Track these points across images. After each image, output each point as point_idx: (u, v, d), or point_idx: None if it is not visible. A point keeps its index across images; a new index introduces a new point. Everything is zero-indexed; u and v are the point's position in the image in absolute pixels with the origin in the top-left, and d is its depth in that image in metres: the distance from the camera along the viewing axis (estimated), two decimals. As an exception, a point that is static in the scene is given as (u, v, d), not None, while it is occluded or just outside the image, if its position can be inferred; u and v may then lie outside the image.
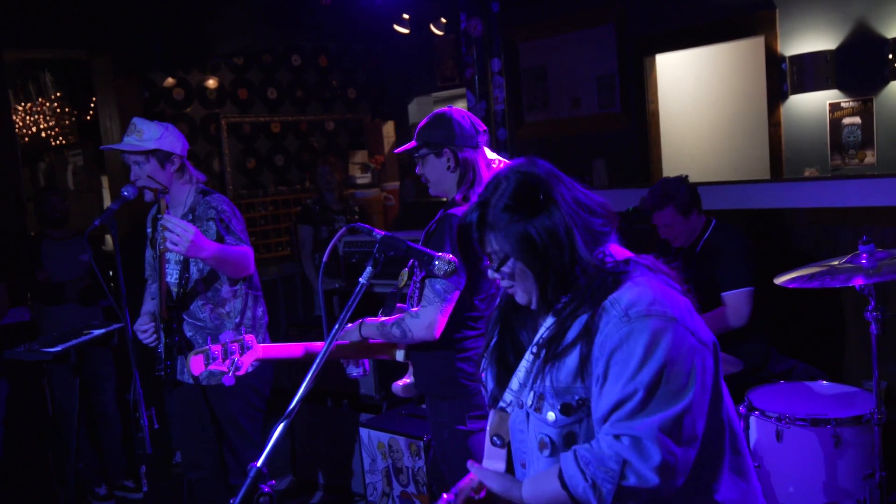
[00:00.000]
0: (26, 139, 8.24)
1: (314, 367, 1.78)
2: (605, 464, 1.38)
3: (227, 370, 2.34)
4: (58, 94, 7.84)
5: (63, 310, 4.52)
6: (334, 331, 1.84)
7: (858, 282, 2.59)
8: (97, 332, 3.64)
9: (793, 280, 2.75)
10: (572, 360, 1.51)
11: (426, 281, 2.52)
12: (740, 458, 1.59)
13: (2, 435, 4.22)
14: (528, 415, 1.59)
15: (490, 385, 1.71)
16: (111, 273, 4.70)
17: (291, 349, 2.51)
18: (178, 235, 2.73)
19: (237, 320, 3.07)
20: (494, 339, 1.72)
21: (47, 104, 7.99)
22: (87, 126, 7.51)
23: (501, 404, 1.65)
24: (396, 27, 6.14)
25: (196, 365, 2.31)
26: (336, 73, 7.27)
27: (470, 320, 2.60)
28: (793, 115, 4.79)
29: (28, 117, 8.26)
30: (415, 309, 2.52)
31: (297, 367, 4.52)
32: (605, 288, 1.51)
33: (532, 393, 1.57)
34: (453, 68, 6.83)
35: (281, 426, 1.68)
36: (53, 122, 8.00)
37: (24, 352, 3.46)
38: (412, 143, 2.67)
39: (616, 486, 1.37)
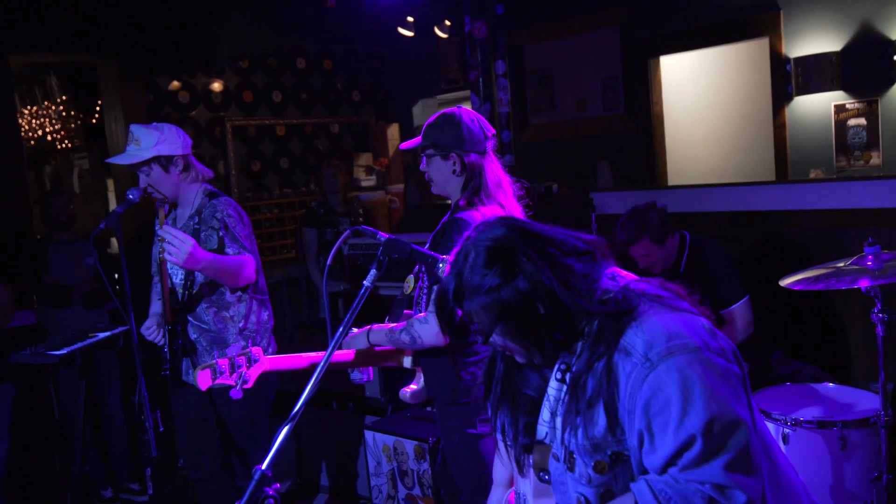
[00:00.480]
0: (32, 142, 8.27)
1: (318, 369, 1.78)
2: (690, 500, 1.33)
3: (234, 384, 2.34)
4: (63, 97, 7.86)
5: (69, 313, 4.53)
6: (338, 333, 1.84)
7: (864, 283, 2.58)
8: (103, 334, 3.65)
9: (798, 282, 2.74)
10: (599, 414, 1.44)
11: (435, 286, 2.52)
12: (776, 467, 1.54)
13: (8, 438, 4.23)
14: (565, 469, 1.52)
15: (512, 447, 1.64)
16: (116, 276, 4.71)
17: (297, 360, 2.51)
18: (177, 248, 2.73)
19: (241, 325, 3.07)
20: (501, 396, 1.65)
21: (53, 107, 8.01)
22: (93, 129, 7.53)
23: (538, 437, 1.57)
24: (401, 30, 6.14)
25: (203, 380, 2.31)
26: (341, 76, 7.28)
27: None
28: (798, 116, 4.78)
29: (34, 120, 8.29)
30: (422, 314, 2.52)
31: (302, 371, 4.52)
32: (614, 330, 1.43)
33: (564, 448, 1.50)
34: (457, 71, 6.83)
35: (286, 429, 1.68)
36: (59, 126, 8.02)
37: (30, 355, 3.47)
38: (418, 140, 2.67)
39: None
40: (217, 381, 2.33)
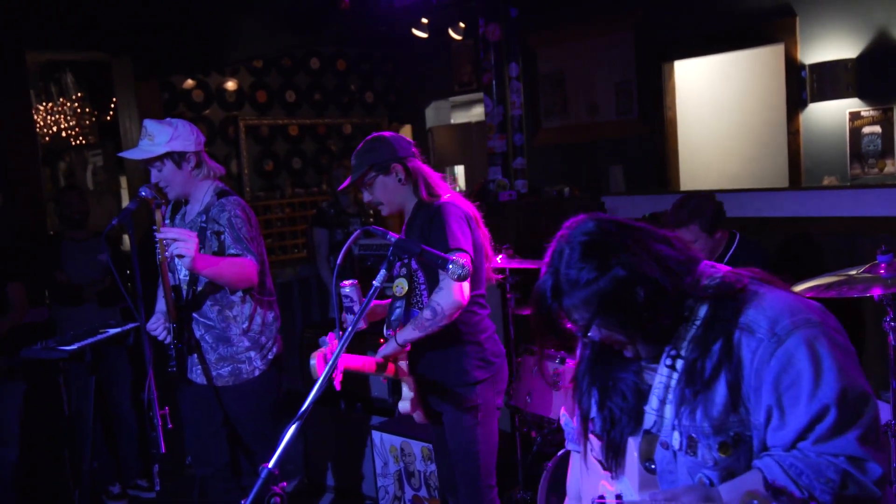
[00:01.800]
0: (47, 139, 8.34)
1: (327, 369, 1.78)
2: (823, 474, 1.31)
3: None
4: (79, 94, 7.92)
5: (81, 310, 4.55)
6: (348, 332, 1.84)
7: (876, 292, 2.56)
8: (113, 331, 3.65)
9: (810, 289, 2.72)
10: (719, 395, 1.42)
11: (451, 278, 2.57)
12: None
13: (18, 433, 4.25)
14: (674, 454, 1.50)
15: (608, 441, 1.61)
16: (128, 273, 4.73)
17: (365, 363, 2.57)
18: (185, 241, 2.74)
19: (244, 325, 3.06)
20: (594, 392, 1.63)
21: (68, 104, 8.07)
22: (108, 126, 7.58)
23: (646, 426, 1.55)
24: (415, 31, 6.16)
25: (319, 366, 2.36)
26: (354, 77, 7.30)
27: (479, 297, 2.74)
28: (812, 123, 4.75)
29: (49, 117, 8.35)
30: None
31: (308, 370, 4.53)
32: (731, 310, 1.43)
33: (677, 433, 1.48)
34: (471, 73, 6.84)
35: (293, 427, 1.68)
36: (74, 123, 8.09)
37: (41, 350, 3.49)
38: (351, 176, 2.78)
39: (835, 496, 1.31)
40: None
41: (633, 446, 1.57)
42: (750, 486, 1.31)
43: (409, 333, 2.63)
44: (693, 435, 1.45)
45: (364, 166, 2.73)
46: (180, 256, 2.76)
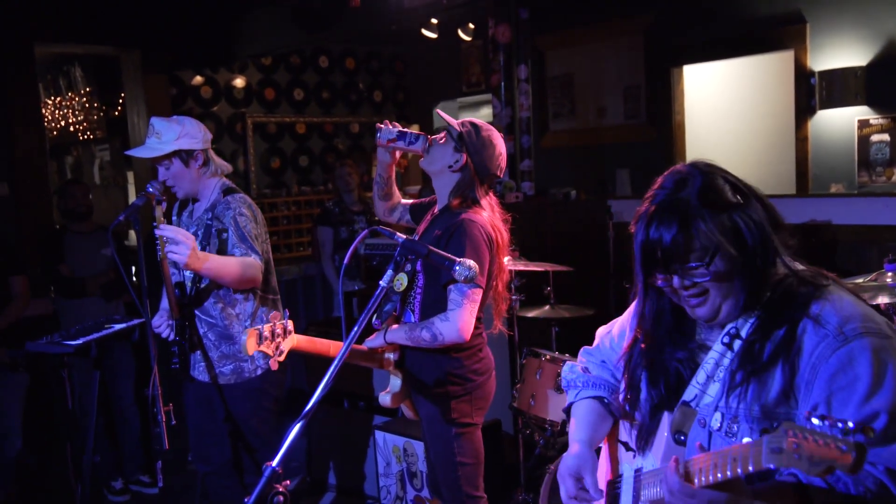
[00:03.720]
0: (54, 133, 8.35)
1: (332, 368, 1.78)
2: (861, 482, 1.26)
3: (272, 353, 2.37)
4: (87, 88, 7.93)
5: (85, 304, 4.56)
6: (353, 332, 1.84)
7: (883, 301, 2.56)
8: (118, 326, 3.66)
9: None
10: (774, 380, 1.38)
11: (451, 286, 2.56)
12: None
13: (21, 427, 4.26)
14: (710, 434, 1.46)
15: (646, 406, 1.59)
16: (133, 268, 4.74)
17: (319, 345, 2.54)
18: (178, 244, 2.73)
19: (247, 323, 3.05)
20: (642, 373, 1.60)
21: (76, 98, 8.09)
22: (115, 121, 7.59)
23: (685, 398, 1.51)
24: (424, 31, 6.15)
25: (250, 345, 2.35)
26: (363, 76, 7.31)
27: (475, 321, 2.67)
28: (821, 130, 4.74)
29: (57, 111, 8.37)
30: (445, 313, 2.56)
31: (315, 368, 4.54)
32: (805, 297, 1.40)
33: (719, 414, 1.44)
34: (479, 74, 6.83)
35: (297, 426, 1.68)
36: (82, 117, 8.10)
37: (46, 344, 3.49)
38: (453, 121, 2.73)
39: None
40: (261, 347, 2.35)
41: (666, 420, 1.53)
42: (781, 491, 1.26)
43: (399, 338, 2.64)
44: (738, 416, 1.41)
45: (462, 128, 2.69)
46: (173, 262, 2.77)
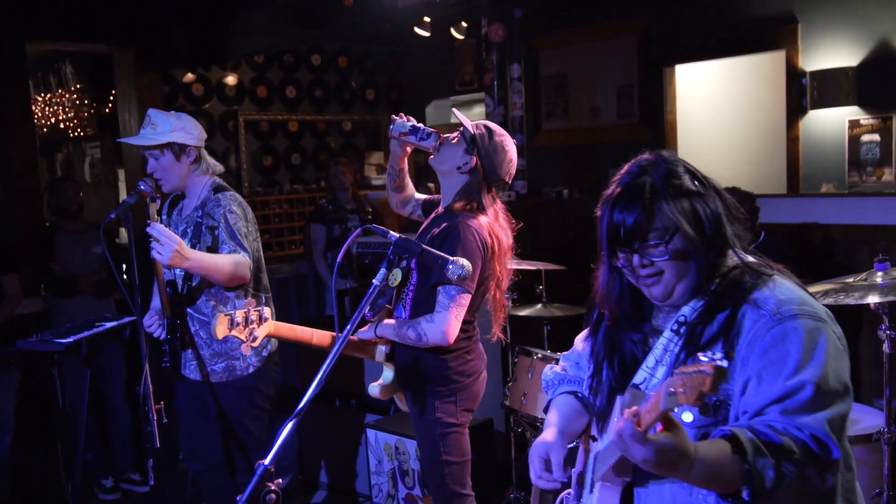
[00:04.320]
0: (45, 130, 8.32)
1: (325, 367, 1.78)
2: (793, 446, 1.33)
3: (245, 339, 2.38)
4: (78, 85, 7.90)
5: (76, 302, 4.54)
6: (346, 331, 1.84)
7: (873, 300, 2.57)
8: (109, 324, 3.65)
9: (807, 296, 2.73)
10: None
11: (439, 287, 2.56)
12: (852, 476, 1.53)
13: (12, 425, 4.24)
14: None
15: (605, 389, 1.65)
16: (124, 266, 4.72)
17: (301, 333, 2.55)
18: (162, 245, 2.72)
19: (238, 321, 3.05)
20: (612, 357, 1.65)
21: (67, 95, 8.05)
22: (106, 119, 7.57)
23: (635, 381, 1.58)
24: (417, 30, 6.15)
25: (220, 329, 2.35)
26: (356, 75, 7.30)
27: (466, 324, 2.69)
28: (811, 130, 4.76)
29: (47, 108, 8.33)
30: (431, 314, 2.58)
31: (307, 366, 4.53)
32: (749, 285, 1.48)
33: (645, 391, 1.52)
34: (472, 73, 6.84)
35: (290, 425, 1.68)
36: (73, 114, 8.07)
37: (36, 342, 3.48)
38: (468, 121, 2.71)
39: (797, 470, 1.32)
40: (232, 332, 2.36)
41: (618, 403, 1.59)
42: (719, 455, 1.32)
43: (388, 333, 2.66)
44: None
45: (475, 130, 2.69)
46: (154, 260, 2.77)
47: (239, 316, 2.38)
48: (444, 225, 2.65)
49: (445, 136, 2.77)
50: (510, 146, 2.74)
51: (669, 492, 1.49)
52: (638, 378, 1.58)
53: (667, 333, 1.55)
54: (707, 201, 1.50)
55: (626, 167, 1.57)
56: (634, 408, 1.27)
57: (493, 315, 2.81)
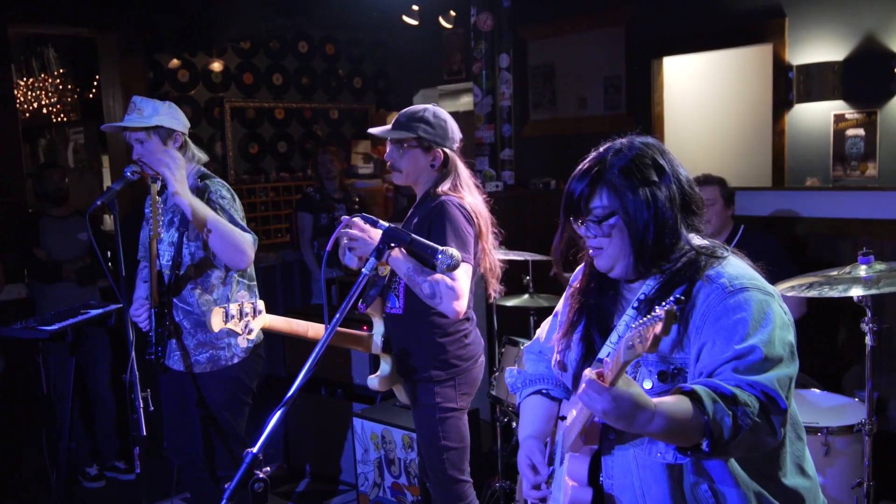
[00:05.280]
0: (27, 115, 8.21)
1: (313, 356, 1.78)
2: (747, 401, 1.40)
3: (241, 332, 2.38)
4: (61, 70, 7.81)
5: (60, 288, 4.51)
6: (336, 319, 1.84)
7: (856, 293, 2.60)
8: (95, 311, 3.63)
9: (791, 288, 2.76)
10: (671, 332, 1.50)
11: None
12: (802, 446, 1.64)
13: (-5, 411, 4.22)
14: None
15: (573, 366, 1.74)
16: (109, 253, 4.69)
17: (296, 326, 2.55)
18: (173, 161, 2.77)
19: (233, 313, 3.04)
20: (579, 322, 1.75)
21: (50, 80, 7.96)
22: (90, 104, 7.49)
23: (600, 356, 1.67)
24: (405, 18, 6.13)
25: (216, 321, 2.35)
26: (343, 62, 7.26)
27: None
28: (797, 124, 4.79)
29: (30, 93, 8.23)
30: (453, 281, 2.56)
31: (293, 355, 4.53)
32: (703, 265, 1.58)
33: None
34: (460, 62, 6.82)
35: (278, 413, 1.69)
36: (56, 99, 7.97)
37: (21, 329, 3.45)
38: (390, 131, 2.72)
39: (752, 422, 1.39)
40: (227, 325, 2.36)
41: (584, 378, 1.65)
42: (678, 410, 1.38)
43: (399, 266, 2.58)
44: (640, 364, 1.59)
45: (412, 132, 2.69)
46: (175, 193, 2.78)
47: (233, 308, 2.37)
48: (425, 210, 2.67)
49: (385, 157, 2.76)
50: (443, 112, 2.76)
51: (633, 455, 1.58)
52: (603, 353, 1.67)
53: (629, 311, 1.64)
54: (657, 192, 1.59)
55: (603, 145, 1.69)
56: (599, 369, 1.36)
57: (490, 276, 2.81)
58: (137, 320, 3.04)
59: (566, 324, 1.79)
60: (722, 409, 1.37)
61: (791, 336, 1.52)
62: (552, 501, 1.78)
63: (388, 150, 2.78)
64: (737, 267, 1.59)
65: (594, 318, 1.72)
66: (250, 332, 2.42)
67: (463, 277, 2.55)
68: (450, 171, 2.73)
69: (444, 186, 2.70)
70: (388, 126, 2.78)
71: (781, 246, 3.72)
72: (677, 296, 1.31)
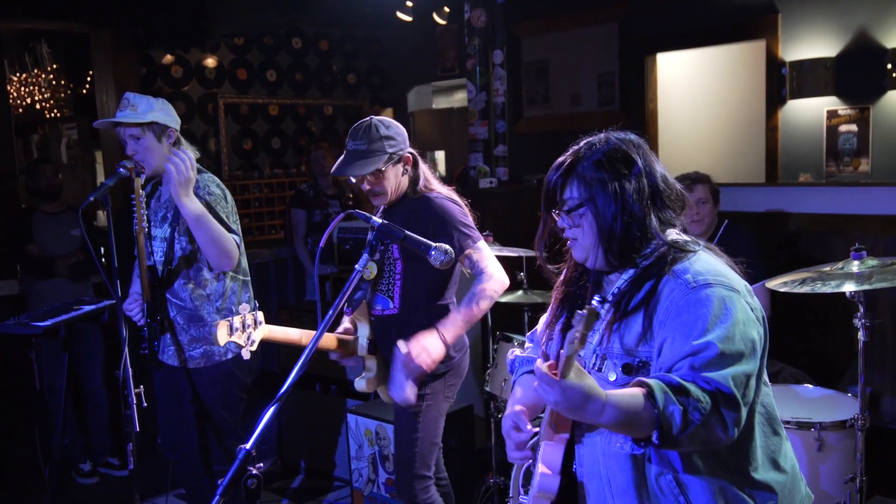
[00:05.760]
0: (20, 110, 8.18)
1: (306, 351, 1.78)
2: (699, 396, 1.42)
3: (244, 344, 2.38)
4: (54, 65, 7.78)
5: (53, 284, 4.49)
6: (328, 317, 1.84)
7: (849, 289, 2.61)
8: (88, 307, 3.61)
9: (784, 284, 2.77)
10: (636, 324, 1.58)
11: (467, 252, 2.65)
12: (779, 440, 1.66)
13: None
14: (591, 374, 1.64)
15: (553, 356, 1.73)
16: (103, 249, 4.68)
17: (291, 334, 2.55)
18: (183, 164, 2.78)
19: (218, 304, 3.04)
20: (561, 313, 1.79)
21: (43, 76, 7.92)
22: (83, 99, 7.45)
23: None
24: (399, 14, 6.12)
25: (221, 335, 2.35)
26: (337, 58, 7.25)
27: (453, 290, 2.76)
28: (790, 120, 4.81)
29: (23, 88, 8.19)
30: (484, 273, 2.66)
31: (287, 351, 4.52)
32: (672, 258, 1.60)
33: (595, 356, 1.65)
34: (454, 58, 6.81)
35: (272, 409, 1.69)
36: (48, 94, 7.94)
37: (14, 325, 3.44)
38: (366, 165, 2.66)
39: (703, 418, 1.41)
40: (231, 338, 2.36)
41: (537, 368, 1.70)
42: (630, 403, 1.41)
43: (459, 330, 2.66)
44: (607, 355, 1.62)
45: (383, 154, 2.66)
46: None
47: (237, 321, 2.38)
48: (410, 210, 2.68)
49: (365, 185, 2.75)
50: (385, 119, 2.75)
51: (599, 444, 1.63)
52: None
53: (605, 306, 1.66)
54: (627, 186, 1.61)
55: (582, 140, 1.71)
56: (552, 361, 1.40)
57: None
58: (130, 314, 3.03)
59: (550, 314, 1.83)
60: (673, 403, 1.40)
61: (755, 333, 1.53)
62: (534, 476, 1.80)
63: (363, 184, 2.74)
64: (704, 263, 1.59)
65: (573, 310, 1.74)
66: (252, 343, 2.42)
67: (488, 256, 2.66)
68: (417, 168, 2.76)
69: (421, 185, 2.74)
70: (348, 161, 2.69)
71: (757, 244, 3.73)
72: (602, 296, 1.37)
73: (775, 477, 1.62)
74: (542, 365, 1.39)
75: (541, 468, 1.68)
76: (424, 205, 2.67)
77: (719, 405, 1.42)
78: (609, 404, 1.38)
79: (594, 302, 1.38)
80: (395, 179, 2.72)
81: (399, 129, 2.74)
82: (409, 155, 2.73)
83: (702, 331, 1.48)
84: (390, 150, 2.66)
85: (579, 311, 1.33)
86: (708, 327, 1.48)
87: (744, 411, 1.46)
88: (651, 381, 1.43)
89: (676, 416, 1.39)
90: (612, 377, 1.59)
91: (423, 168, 2.78)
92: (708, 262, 1.60)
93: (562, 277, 1.83)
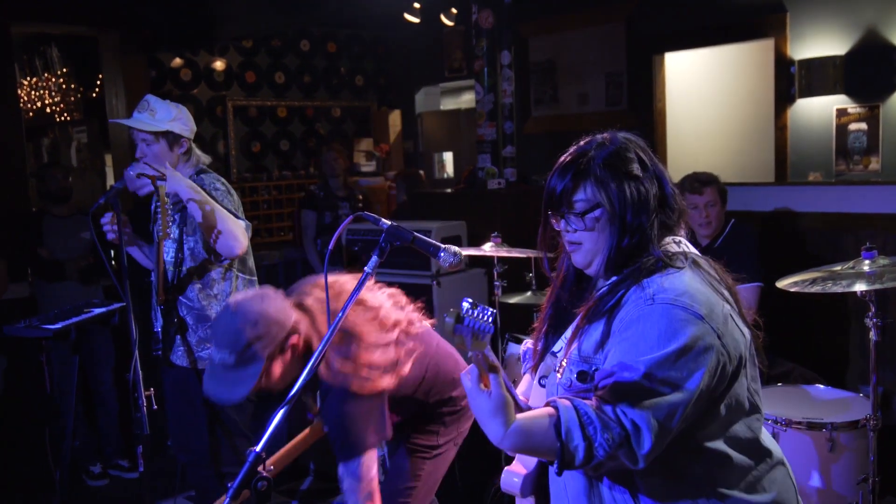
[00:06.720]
0: (30, 114, 8.23)
1: (315, 356, 1.78)
2: (609, 431, 1.39)
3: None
4: (64, 69, 7.82)
5: (63, 287, 4.51)
6: (337, 319, 1.84)
7: (860, 288, 2.59)
8: (98, 310, 3.63)
9: (794, 284, 2.75)
10: (597, 331, 1.54)
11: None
12: (766, 468, 1.57)
13: (-1, 411, 4.23)
14: (556, 378, 1.65)
15: (536, 358, 1.77)
16: (112, 252, 4.70)
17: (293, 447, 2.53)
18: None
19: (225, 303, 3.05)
20: (546, 327, 1.75)
21: (53, 79, 7.97)
22: (93, 103, 7.49)
23: (553, 350, 1.70)
24: (407, 16, 6.12)
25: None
26: (344, 60, 7.26)
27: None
28: (799, 118, 4.79)
29: (33, 92, 8.24)
30: None
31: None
32: (649, 269, 1.53)
33: (558, 359, 1.64)
34: (462, 59, 6.81)
35: (281, 412, 1.69)
36: (59, 98, 7.98)
37: (24, 328, 3.46)
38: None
39: (608, 453, 1.39)
40: None
41: (540, 370, 1.74)
42: (537, 431, 1.42)
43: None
44: (568, 361, 1.58)
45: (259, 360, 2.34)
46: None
47: None
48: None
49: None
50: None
51: None
52: (556, 347, 1.69)
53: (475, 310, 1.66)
54: (639, 187, 1.55)
55: (583, 140, 1.64)
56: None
57: None
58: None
59: (540, 317, 1.79)
60: (579, 437, 1.38)
61: (703, 365, 1.41)
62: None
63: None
64: (678, 281, 1.50)
65: (559, 315, 1.73)
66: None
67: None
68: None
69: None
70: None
71: (758, 246, 3.68)
72: (472, 301, 1.36)
73: (754, 499, 1.53)
74: (465, 372, 1.41)
75: (515, 465, 1.71)
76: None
77: (630, 440, 1.38)
78: (511, 432, 1.40)
79: (465, 303, 1.37)
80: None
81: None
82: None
83: (642, 350, 1.42)
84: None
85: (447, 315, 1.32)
86: (642, 350, 1.42)
87: (662, 443, 1.40)
88: (562, 407, 1.41)
89: (580, 451, 1.38)
90: (567, 382, 1.56)
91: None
92: (681, 281, 1.50)
93: (555, 281, 1.77)
